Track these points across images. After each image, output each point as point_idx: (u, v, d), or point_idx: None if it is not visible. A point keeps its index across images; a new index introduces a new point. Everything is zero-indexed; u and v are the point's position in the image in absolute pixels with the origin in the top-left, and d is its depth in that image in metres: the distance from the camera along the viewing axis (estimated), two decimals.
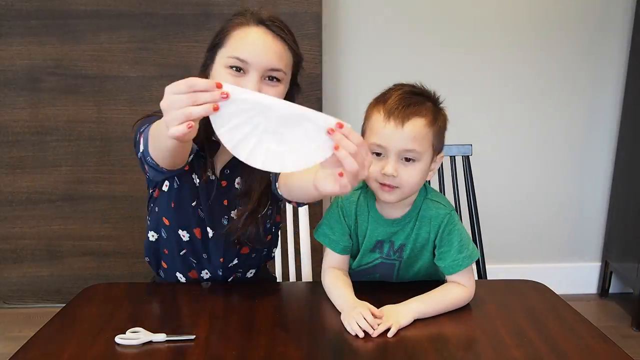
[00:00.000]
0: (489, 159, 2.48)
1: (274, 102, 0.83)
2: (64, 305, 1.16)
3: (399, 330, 1.04)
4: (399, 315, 1.06)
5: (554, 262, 2.68)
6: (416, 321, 1.08)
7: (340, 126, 0.83)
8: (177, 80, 0.82)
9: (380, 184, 1.11)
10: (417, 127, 1.08)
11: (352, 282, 1.19)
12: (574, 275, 2.67)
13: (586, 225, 2.67)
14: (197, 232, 1.27)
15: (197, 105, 0.80)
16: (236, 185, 1.28)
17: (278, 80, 1.15)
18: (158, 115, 1.11)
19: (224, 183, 1.28)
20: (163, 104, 0.82)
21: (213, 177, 1.26)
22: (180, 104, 0.80)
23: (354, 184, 0.87)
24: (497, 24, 2.42)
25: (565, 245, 2.69)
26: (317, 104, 2.32)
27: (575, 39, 2.45)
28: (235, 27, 1.15)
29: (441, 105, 1.16)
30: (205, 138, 1.21)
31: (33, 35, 2.22)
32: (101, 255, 2.43)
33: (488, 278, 1.66)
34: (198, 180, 1.25)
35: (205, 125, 1.16)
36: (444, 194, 1.66)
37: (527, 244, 2.66)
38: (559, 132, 2.55)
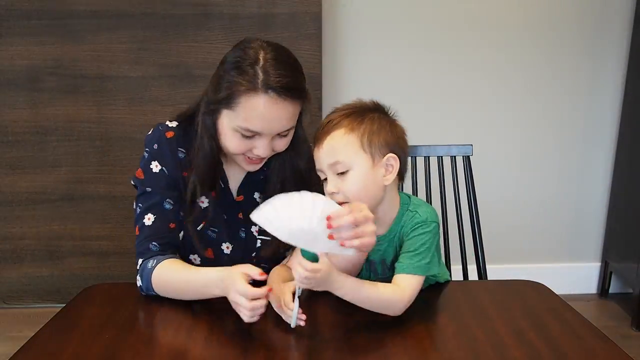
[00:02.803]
0: (489, 159, 2.48)
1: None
2: (64, 305, 1.16)
3: (398, 331, 1.04)
4: (332, 284, 1.00)
5: (554, 262, 2.68)
6: (416, 321, 1.07)
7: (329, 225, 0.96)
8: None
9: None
10: (334, 139, 1.08)
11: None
12: (574, 275, 2.67)
13: (586, 225, 2.67)
14: (208, 253, 1.27)
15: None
16: (257, 199, 1.28)
17: (288, 131, 1.17)
18: (148, 190, 1.20)
19: (239, 198, 1.28)
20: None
21: (224, 186, 1.27)
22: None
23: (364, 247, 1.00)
24: (498, 23, 2.42)
25: (565, 245, 2.68)
26: (316, 104, 2.32)
27: (576, 39, 2.45)
28: (242, 93, 1.09)
29: (389, 112, 1.13)
30: (211, 157, 1.20)
31: (33, 35, 2.22)
32: (101, 255, 2.43)
33: (488, 278, 1.66)
34: (206, 200, 1.24)
35: (211, 146, 1.19)
36: (444, 194, 1.67)
37: (527, 244, 2.66)
38: (559, 131, 2.55)
